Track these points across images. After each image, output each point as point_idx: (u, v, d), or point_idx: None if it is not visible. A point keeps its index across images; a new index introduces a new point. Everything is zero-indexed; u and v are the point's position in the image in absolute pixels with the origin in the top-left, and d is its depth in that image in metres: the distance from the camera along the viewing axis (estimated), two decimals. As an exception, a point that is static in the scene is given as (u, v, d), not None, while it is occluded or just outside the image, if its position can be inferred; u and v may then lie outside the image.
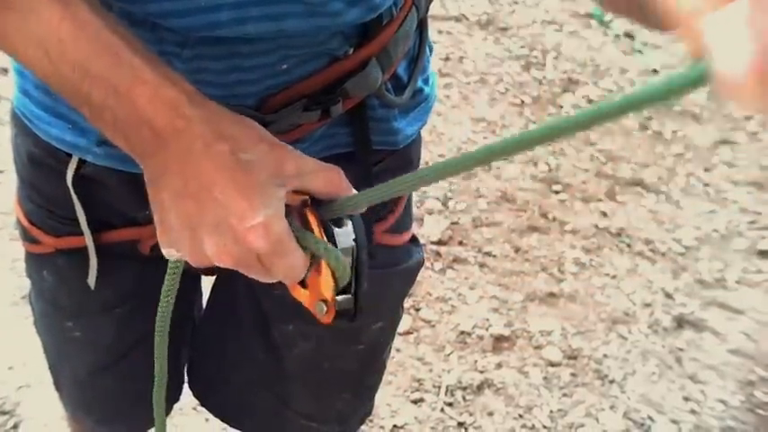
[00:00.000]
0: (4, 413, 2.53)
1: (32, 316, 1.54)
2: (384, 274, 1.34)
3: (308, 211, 0.93)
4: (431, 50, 1.38)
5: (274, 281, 0.91)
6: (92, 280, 1.31)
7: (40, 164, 1.25)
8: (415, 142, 1.35)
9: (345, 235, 0.94)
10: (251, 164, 0.85)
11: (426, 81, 1.33)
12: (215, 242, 0.85)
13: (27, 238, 1.36)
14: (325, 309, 0.94)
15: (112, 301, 1.39)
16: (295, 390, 1.45)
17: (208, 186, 0.84)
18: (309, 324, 1.34)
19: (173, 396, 1.68)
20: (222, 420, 1.60)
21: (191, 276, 1.45)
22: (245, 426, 1.58)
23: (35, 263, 1.40)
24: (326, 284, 0.92)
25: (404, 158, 1.33)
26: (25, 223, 1.35)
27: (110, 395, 1.56)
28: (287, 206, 0.89)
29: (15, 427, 2.50)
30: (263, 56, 1.03)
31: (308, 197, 0.93)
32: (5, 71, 3.82)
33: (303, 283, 0.95)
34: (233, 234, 0.83)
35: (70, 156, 1.19)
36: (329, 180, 0.92)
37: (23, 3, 0.85)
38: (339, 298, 0.94)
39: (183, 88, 0.86)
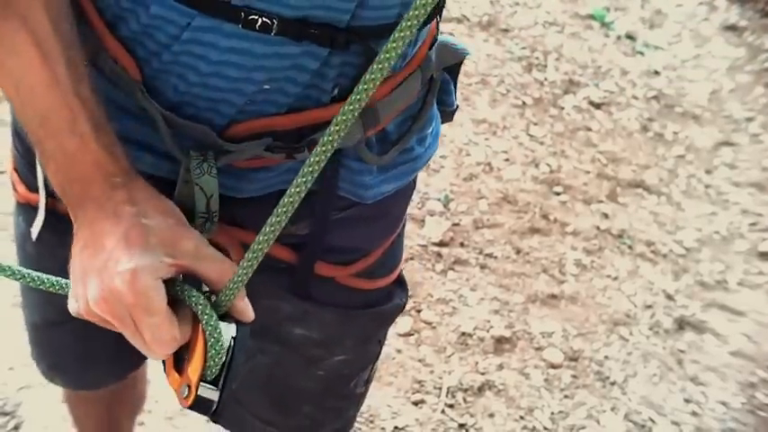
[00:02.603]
0: (5, 414, 2.53)
1: None
2: (348, 313, 1.33)
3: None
4: (449, 109, 1.33)
5: (146, 349, 0.94)
6: (35, 231, 1.34)
7: None
8: (396, 195, 1.28)
9: (226, 330, 0.95)
10: (147, 227, 0.92)
11: (422, 141, 1.27)
12: (95, 286, 0.91)
13: (11, 183, 1.41)
14: (186, 392, 0.95)
15: (66, 263, 1.41)
16: (253, 397, 1.45)
17: (103, 237, 0.92)
18: (269, 342, 1.34)
19: (131, 366, 1.75)
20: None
21: None
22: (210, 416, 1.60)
23: (16, 209, 1.45)
24: (196, 364, 0.94)
25: (375, 211, 1.26)
26: (10, 168, 1.40)
27: (60, 347, 1.60)
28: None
29: (16, 428, 2.50)
30: (252, 71, 1.02)
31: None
32: None
33: (180, 370, 0.97)
34: (108, 278, 0.89)
35: None
36: (222, 272, 0.96)
37: (8, 41, 0.92)
38: (203, 384, 0.94)
39: (121, 164, 0.96)
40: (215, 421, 0.97)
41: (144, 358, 1.71)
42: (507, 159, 3.89)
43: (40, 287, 1.13)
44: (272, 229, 0.89)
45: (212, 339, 0.92)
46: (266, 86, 1.04)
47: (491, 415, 2.78)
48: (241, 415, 1.48)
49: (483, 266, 3.34)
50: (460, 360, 2.95)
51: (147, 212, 0.93)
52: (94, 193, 0.93)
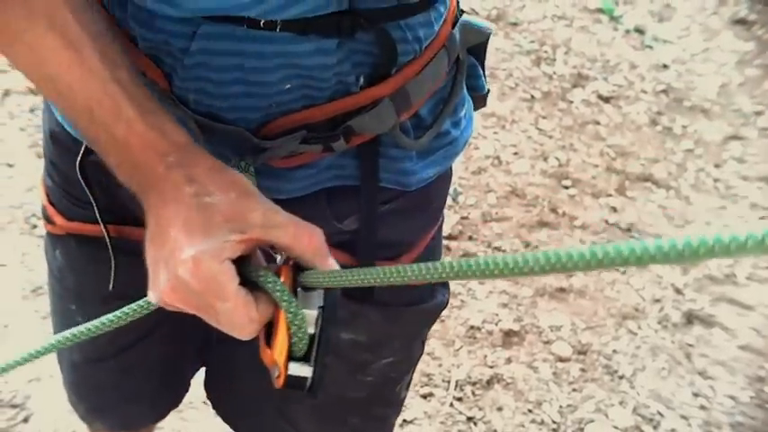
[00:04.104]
0: (15, 406, 2.54)
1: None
2: (395, 311, 1.31)
3: (283, 269, 0.93)
4: (479, 93, 1.32)
5: (231, 332, 0.92)
6: (111, 280, 1.31)
7: (58, 142, 1.26)
8: (437, 182, 1.27)
9: (311, 299, 0.93)
10: (210, 206, 0.89)
11: (457, 124, 1.25)
12: (163, 278, 0.89)
13: (45, 216, 1.38)
14: (277, 373, 0.93)
15: (112, 294, 1.36)
16: (299, 411, 1.43)
17: (167, 225, 0.89)
18: None
19: (171, 402, 1.71)
20: (231, 427, 1.59)
21: None
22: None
23: (51, 241, 1.41)
24: (281, 345, 0.91)
25: (418, 200, 1.25)
26: (45, 201, 1.36)
27: (102, 386, 1.56)
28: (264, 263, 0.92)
29: (26, 420, 2.51)
30: (267, 73, 1.01)
31: (290, 260, 0.94)
32: (15, 65, 3.82)
33: (272, 345, 0.94)
34: (172, 268, 0.87)
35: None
36: (296, 237, 0.92)
37: (38, 46, 0.90)
38: (292, 364, 0.92)
39: (174, 140, 0.92)
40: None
41: (184, 393, 1.71)
42: (516, 153, 3.89)
43: (121, 323, 1.10)
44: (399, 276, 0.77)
45: (294, 325, 0.90)
46: (288, 86, 1.03)
47: (499, 408, 2.78)
48: (284, 428, 1.47)
49: (491, 260, 3.33)
50: (469, 353, 2.95)
51: (208, 189, 0.90)
52: (153, 177, 0.91)
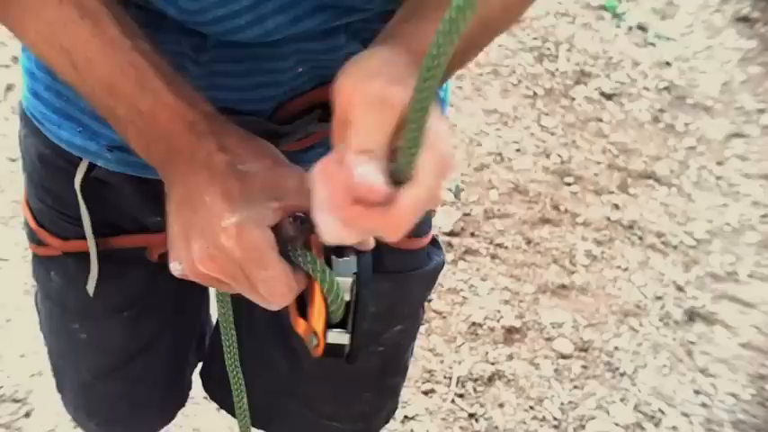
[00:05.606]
0: (17, 401, 2.54)
1: (38, 317, 1.53)
2: (402, 278, 1.33)
3: (313, 239, 0.91)
4: None
5: (264, 302, 0.90)
6: (91, 286, 1.30)
7: (50, 164, 1.24)
8: None
9: (345, 266, 0.90)
10: (246, 174, 0.86)
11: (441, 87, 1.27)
12: (200, 246, 0.86)
13: (34, 239, 1.35)
14: (315, 341, 0.91)
15: (119, 305, 1.38)
16: (315, 392, 1.44)
17: (201, 192, 0.86)
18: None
19: (179, 402, 1.70)
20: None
21: (195, 285, 1.43)
22: (270, 429, 1.55)
23: (42, 264, 1.38)
24: (318, 314, 0.89)
25: None
26: (33, 225, 1.34)
27: (113, 399, 1.56)
28: (293, 232, 0.89)
29: (27, 414, 2.51)
30: (280, 60, 1.02)
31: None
32: (17, 59, 3.82)
33: (304, 314, 0.92)
34: (212, 236, 0.84)
35: (81, 158, 1.18)
36: None
37: (53, 19, 0.87)
38: (330, 333, 0.90)
39: (202, 109, 0.89)
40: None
41: (189, 391, 1.71)
42: (518, 150, 3.88)
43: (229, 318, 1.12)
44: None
45: (331, 294, 0.88)
46: (300, 69, 1.03)
47: (501, 405, 2.78)
48: (305, 415, 1.48)
49: (493, 256, 3.34)
50: (471, 350, 2.95)
51: (242, 157, 0.87)
52: (181, 146, 0.88)
